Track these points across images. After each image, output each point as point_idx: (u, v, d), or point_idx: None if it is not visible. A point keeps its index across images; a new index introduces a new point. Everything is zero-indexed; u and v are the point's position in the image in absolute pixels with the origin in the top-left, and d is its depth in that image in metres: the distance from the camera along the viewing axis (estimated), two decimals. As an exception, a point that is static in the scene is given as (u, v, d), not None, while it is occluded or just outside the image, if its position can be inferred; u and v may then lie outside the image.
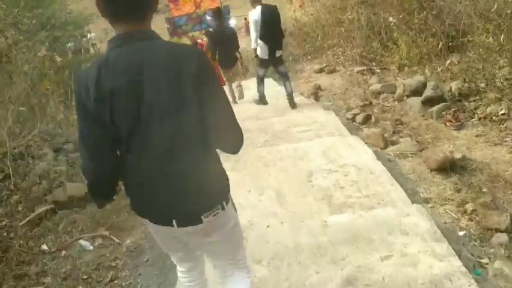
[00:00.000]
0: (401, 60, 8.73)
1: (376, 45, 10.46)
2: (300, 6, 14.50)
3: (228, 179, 1.80)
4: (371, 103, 6.65)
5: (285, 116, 5.94)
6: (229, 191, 1.81)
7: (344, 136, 4.67)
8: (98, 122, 1.55)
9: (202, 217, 1.66)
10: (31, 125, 5.56)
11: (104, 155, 1.64)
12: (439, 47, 8.08)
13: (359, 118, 5.65)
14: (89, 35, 28.42)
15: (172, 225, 1.68)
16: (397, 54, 8.89)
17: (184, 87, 1.51)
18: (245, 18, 27.24)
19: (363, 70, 9.93)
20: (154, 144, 1.57)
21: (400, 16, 8.84)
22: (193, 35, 16.82)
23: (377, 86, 7.10)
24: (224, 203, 1.73)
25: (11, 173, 4.43)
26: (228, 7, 16.51)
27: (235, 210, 1.91)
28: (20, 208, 4.32)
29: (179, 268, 2.08)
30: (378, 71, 9.71)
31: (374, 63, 10.25)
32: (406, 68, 8.65)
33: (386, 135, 4.73)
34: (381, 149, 4.48)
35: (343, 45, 11.79)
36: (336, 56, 11.71)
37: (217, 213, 1.70)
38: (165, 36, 25.75)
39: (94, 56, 26.90)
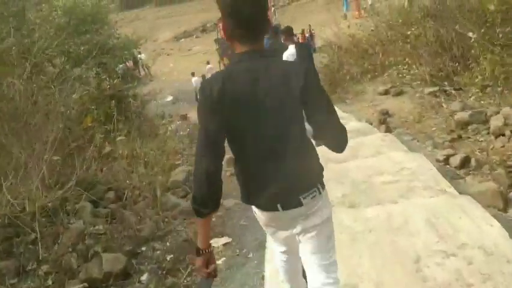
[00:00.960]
0: (484, 81, 7.56)
1: (448, 63, 9.33)
2: (357, 18, 13.48)
3: (323, 168, 2.05)
4: (460, 137, 5.56)
5: (360, 157, 4.97)
6: (322, 179, 2.03)
7: (452, 196, 3.63)
8: (219, 121, 1.80)
9: (301, 198, 1.90)
10: (69, 172, 4.88)
11: (222, 152, 1.86)
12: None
13: (455, 160, 4.58)
14: (139, 56, 28.78)
15: (277, 209, 1.93)
16: (478, 74, 7.73)
17: (293, 96, 1.80)
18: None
19: (436, 91, 8.79)
20: (265, 143, 1.88)
21: (482, 30, 7.68)
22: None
23: (463, 115, 6.00)
24: (320, 187, 1.97)
25: (38, 238, 3.73)
26: (278, 25, 15.74)
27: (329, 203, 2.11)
28: (50, 282, 3.60)
29: (279, 249, 2.31)
30: (453, 92, 8.56)
31: (445, 83, 9.11)
32: (489, 89, 7.48)
33: (501, 188, 3.69)
34: (499, 210, 3.45)
35: (408, 63, 10.69)
36: (400, 75, 10.61)
37: (315, 195, 1.93)
38: (214, 57, 25.55)
39: (144, 77, 27.60)
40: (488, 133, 5.47)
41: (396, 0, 12.16)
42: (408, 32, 10.65)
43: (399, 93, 9.25)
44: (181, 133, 14.24)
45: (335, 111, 1.93)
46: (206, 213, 1.89)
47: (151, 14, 48.83)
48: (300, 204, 1.90)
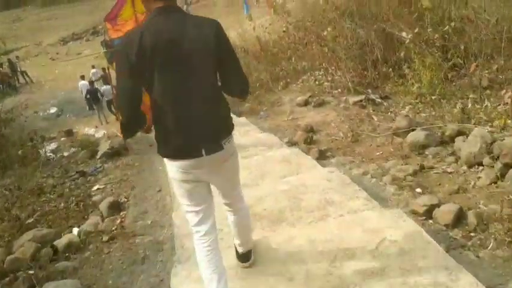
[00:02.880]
0: (420, 89, 6.43)
1: (371, 68, 8.22)
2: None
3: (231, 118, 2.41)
4: (422, 167, 4.19)
5: (301, 222, 3.28)
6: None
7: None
8: (137, 74, 2.09)
9: (222, 143, 2.23)
10: None
11: (139, 101, 2.16)
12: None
13: (444, 216, 3.11)
14: (17, 62, 25.04)
15: (201, 155, 2.18)
16: (414, 81, 6.60)
17: (203, 47, 2.11)
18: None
19: (361, 101, 7.61)
20: (180, 92, 2.13)
21: (415, 30, 6.56)
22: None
23: (417, 136, 4.71)
24: (232, 134, 2.36)
25: None
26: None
27: None
28: None
29: (195, 228, 2.44)
30: (379, 100, 7.42)
31: (369, 91, 7.98)
32: (428, 98, 6.38)
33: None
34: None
35: (326, 68, 9.46)
36: (318, 83, 9.34)
37: (230, 141, 2.30)
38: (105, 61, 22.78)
39: (24, 86, 23.92)
40: (456, 161, 4.18)
41: (309, -3, 10.94)
42: (324, 33, 9.42)
43: (321, 104, 7.92)
44: (64, 154, 11.80)
45: (239, 62, 2.33)
46: (135, 133, 2.46)
47: (35, 15, 43.98)
48: (222, 148, 2.23)
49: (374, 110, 7.12)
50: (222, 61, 2.18)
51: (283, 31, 10.88)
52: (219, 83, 2.27)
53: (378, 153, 4.98)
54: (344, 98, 8.00)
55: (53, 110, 19.16)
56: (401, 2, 7.84)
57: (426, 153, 4.53)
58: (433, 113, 6.01)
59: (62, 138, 14.89)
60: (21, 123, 18.04)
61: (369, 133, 5.82)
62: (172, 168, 2.30)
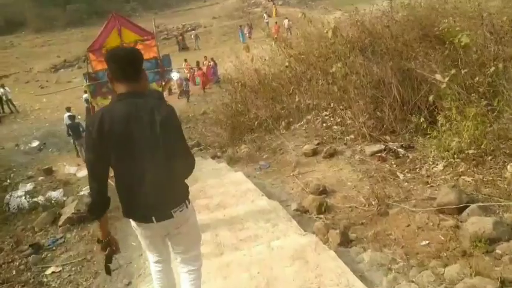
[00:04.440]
0: (461, 144, 5.20)
1: (389, 112, 7.02)
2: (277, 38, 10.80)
3: (188, 187, 2.67)
4: (503, 283, 2.88)
5: None
6: (188, 195, 2.66)
7: None
8: (99, 152, 2.41)
9: (172, 212, 2.51)
10: None
11: (104, 175, 2.47)
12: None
13: None
14: (1, 90, 23.78)
15: (152, 222, 2.51)
16: (451, 133, 5.37)
17: (155, 130, 2.36)
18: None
19: (381, 152, 6.39)
20: (137, 167, 2.42)
21: (452, 72, 5.35)
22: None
23: (483, 225, 3.42)
24: (187, 202, 2.62)
25: None
26: (168, 57, 12.76)
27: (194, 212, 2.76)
28: None
29: (152, 259, 2.85)
30: (403, 152, 6.20)
31: (387, 138, 6.77)
32: (467, 153, 5.14)
33: None
34: None
35: (335, 108, 8.26)
36: (325, 125, 8.12)
37: (183, 209, 2.56)
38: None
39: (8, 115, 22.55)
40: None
41: (314, 29, 9.81)
42: (332, 69, 8.26)
43: (332, 155, 6.67)
44: (40, 200, 10.45)
45: (185, 148, 2.54)
46: (99, 216, 2.57)
47: (28, 41, 42.96)
48: (171, 216, 2.52)
49: (397, 165, 5.89)
50: (169, 144, 2.40)
51: (286, 66, 9.70)
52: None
53: (423, 243, 3.69)
54: (359, 147, 6.79)
55: (35, 144, 17.78)
56: (426, 36, 6.70)
57: (498, 251, 3.24)
58: (479, 176, 4.76)
59: (40, 178, 13.53)
60: (-3, 158, 16.79)
61: (401, 204, 4.54)
62: (133, 224, 2.64)
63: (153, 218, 2.49)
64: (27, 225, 6.21)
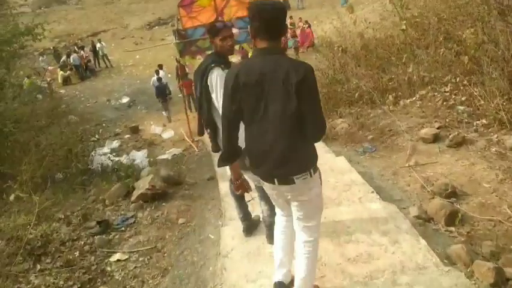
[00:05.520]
0: None
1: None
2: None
3: (317, 157, 2.53)
4: None
5: None
6: (315, 164, 2.51)
7: None
8: (232, 104, 2.45)
9: (295, 178, 2.41)
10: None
11: (236, 127, 2.54)
12: None
13: None
14: (98, 45, 24.32)
15: (274, 183, 2.48)
16: None
17: (286, 91, 2.29)
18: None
19: (527, 145, 4.94)
20: (263, 126, 2.41)
21: None
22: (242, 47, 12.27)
23: None
24: (312, 171, 2.46)
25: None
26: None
27: (321, 183, 2.64)
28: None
29: (278, 212, 2.87)
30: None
31: (531, 126, 5.28)
32: None
33: None
34: None
35: (457, 84, 6.76)
36: (446, 104, 6.66)
37: (306, 178, 2.43)
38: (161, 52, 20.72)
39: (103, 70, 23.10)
40: None
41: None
42: (462, 34, 6.71)
43: (460, 144, 5.30)
44: (124, 160, 10.20)
45: (320, 111, 2.41)
46: (230, 163, 2.71)
47: (127, -2, 44.03)
48: (293, 182, 2.42)
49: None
50: (303, 106, 2.31)
51: (402, 29, 8.18)
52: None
53: None
54: (495, 136, 5.34)
55: (125, 100, 17.89)
56: None
57: None
58: None
59: (127, 136, 13.40)
60: (86, 112, 17.07)
61: None
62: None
63: (275, 180, 2.47)
64: (100, 196, 5.65)
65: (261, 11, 2.35)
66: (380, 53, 9.42)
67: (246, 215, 3.82)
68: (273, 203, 2.85)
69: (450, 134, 5.52)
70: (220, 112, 2.70)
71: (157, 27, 33.19)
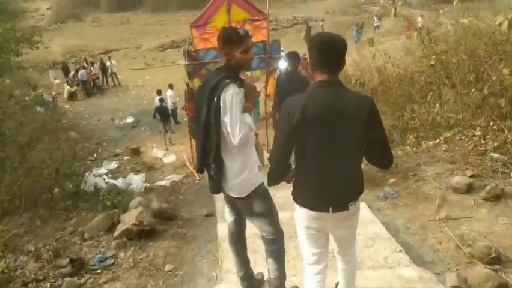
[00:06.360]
0: None
1: None
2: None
3: (363, 183, 2.62)
4: None
5: None
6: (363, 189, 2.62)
7: None
8: (294, 137, 2.42)
9: (349, 205, 2.49)
10: None
11: (288, 153, 2.52)
12: None
13: None
14: (108, 63, 23.96)
15: (328, 211, 2.48)
16: None
17: (356, 123, 2.31)
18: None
19: None
20: (326, 157, 2.39)
21: None
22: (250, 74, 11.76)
23: None
24: (359, 198, 2.58)
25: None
26: (278, 43, 11.20)
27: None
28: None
29: (309, 266, 2.74)
30: None
31: None
32: None
33: None
34: None
35: (487, 127, 6.10)
36: (477, 149, 5.97)
37: (355, 204, 2.54)
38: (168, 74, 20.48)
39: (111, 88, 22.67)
40: None
41: (477, 20, 7.54)
42: (497, 75, 6.10)
43: (498, 198, 4.59)
44: (119, 183, 9.62)
45: (386, 139, 2.47)
46: (274, 184, 2.69)
47: (142, 19, 44.09)
48: (347, 209, 2.49)
49: None
50: (370, 137, 2.37)
51: (431, 65, 7.56)
52: (363, 153, 2.49)
53: None
54: (540, 190, 4.63)
55: (129, 120, 17.36)
56: None
57: None
58: None
59: (126, 157, 12.77)
60: (87, 129, 16.50)
61: None
62: (301, 214, 2.61)
63: (330, 208, 2.48)
64: (80, 226, 4.93)
65: (324, 44, 2.38)
66: (400, 89, 8.80)
67: (247, 274, 3.13)
68: (309, 250, 2.70)
69: (485, 185, 4.81)
70: (234, 141, 2.63)
71: (170, 49, 33.03)
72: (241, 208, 2.99)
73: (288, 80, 6.93)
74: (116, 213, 5.00)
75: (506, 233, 3.98)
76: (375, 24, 30.64)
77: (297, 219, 2.69)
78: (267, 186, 2.81)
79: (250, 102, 2.86)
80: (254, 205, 2.87)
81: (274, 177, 2.66)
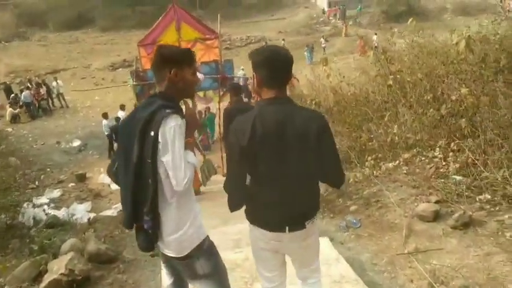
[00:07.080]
0: None
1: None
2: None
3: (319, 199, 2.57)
4: None
5: None
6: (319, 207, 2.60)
7: None
8: (246, 159, 2.31)
9: (306, 223, 2.43)
10: None
11: (243, 177, 2.40)
12: None
13: None
14: (54, 84, 22.82)
15: (284, 231, 2.40)
16: None
17: (306, 140, 2.25)
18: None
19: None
20: (279, 175, 2.32)
21: None
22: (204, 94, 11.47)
23: None
24: (316, 216, 2.51)
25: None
26: (231, 62, 10.88)
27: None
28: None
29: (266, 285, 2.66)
30: None
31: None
32: None
33: None
34: None
35: (454, 150, 5.90)
36: (438, 170, 5.75)
37: (313, 221, 2.49)
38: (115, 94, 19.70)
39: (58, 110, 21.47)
40: None
41: (432, 39, 7.44)
42: (455, 94, 5.96)
43: (466, 225, 4.32)
44: (61, 215, 8.88)
45: (338, 158, 2.45)
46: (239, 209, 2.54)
47: (92, 39, 42.84)
48: (304, 227, 2.43)
49: None
50: (321, 155, 2.31)
51: (388, 85, 7.37)
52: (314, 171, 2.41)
53: None
54: (507, 216, 4.40)
55: (76, 143, 16.44)
56: None
57: None
58: None
59: (71, 184, 11.91)
60: (30, 154, 15.45)
61: None
62: (256, 235, 2.51)
63: (286, 228, 2.40)
64: (1, 276, 4.24)
65: (271, 59, 2.29)
66: (357, 109, 8.59)
67: None
68: (265, 273, 2.60)
69: (452, 211, 4.55)
70: (178, 186, 2.15)
71: (121, 69, 32.10)
72: (181, 270, 2.48)
73: (236, 112, 6.55)
74: (45, 259, 4.33)
75: (479, 266, 3.67)
76: (322, 45, 31.41)
77: (251, 240, 2.59)
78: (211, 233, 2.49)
79: (191, 137, 2.40)
80: (197, 265, 2.36)
81: (234, 205, 2.52)
